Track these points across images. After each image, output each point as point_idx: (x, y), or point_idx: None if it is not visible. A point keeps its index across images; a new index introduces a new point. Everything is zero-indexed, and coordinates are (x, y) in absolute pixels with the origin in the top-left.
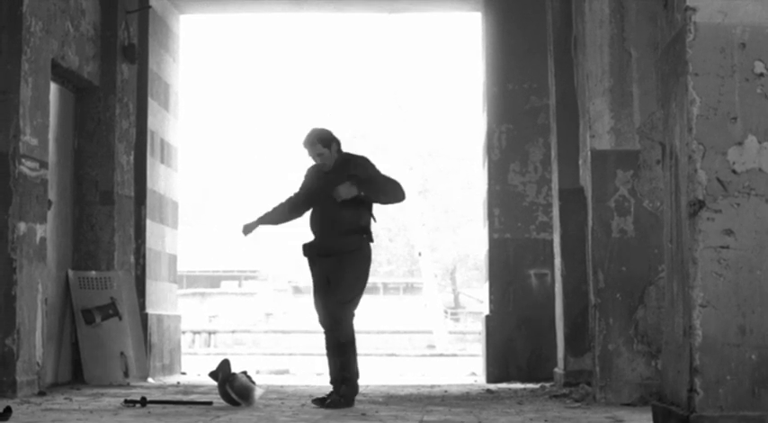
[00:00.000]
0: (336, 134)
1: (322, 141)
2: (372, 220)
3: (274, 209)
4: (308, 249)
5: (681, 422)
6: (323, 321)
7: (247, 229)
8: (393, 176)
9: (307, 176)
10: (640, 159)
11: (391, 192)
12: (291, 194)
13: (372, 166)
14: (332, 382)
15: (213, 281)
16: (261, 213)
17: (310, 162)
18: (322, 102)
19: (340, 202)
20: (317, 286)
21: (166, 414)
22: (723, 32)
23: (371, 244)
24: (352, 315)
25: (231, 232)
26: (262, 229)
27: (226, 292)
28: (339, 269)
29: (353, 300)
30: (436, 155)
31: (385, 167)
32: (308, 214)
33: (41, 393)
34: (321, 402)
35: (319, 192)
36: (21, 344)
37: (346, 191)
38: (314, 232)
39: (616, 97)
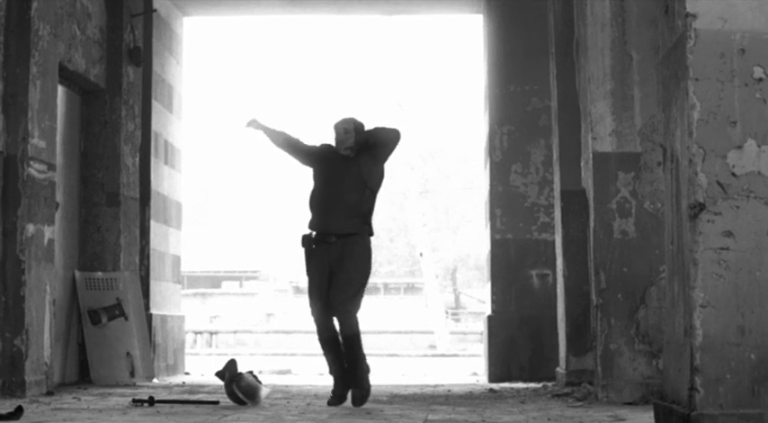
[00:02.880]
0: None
1: (358, 134)
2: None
3: (282, 132)
4: (306, 239)
5: (682, 420)
6: (318, 316)
7: (252, 123)
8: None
9: (321, 148)
10: (641, 161)
11: (391, 136)
12: (300, 139)
13: (361, 124)
14: (331, 373)
15: (214, 281)
16: (270, 125)
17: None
18: (323, 102)
19: (348, 186)
20: (314, 278)
21: (175, 413)
22: (723, 38)
23: (371, 238)
24: (358, 307)
25: (232, 233)
26: (260, 135)
27: (227, 293)
28: (342, 258)
29: (361, 290)
30: (437, 155)
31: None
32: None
33: (50, 393)
34: (336, 401)
35: (337, 173)
36: (29, 344)
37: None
38: (317, 211)
39: (617, 100)
